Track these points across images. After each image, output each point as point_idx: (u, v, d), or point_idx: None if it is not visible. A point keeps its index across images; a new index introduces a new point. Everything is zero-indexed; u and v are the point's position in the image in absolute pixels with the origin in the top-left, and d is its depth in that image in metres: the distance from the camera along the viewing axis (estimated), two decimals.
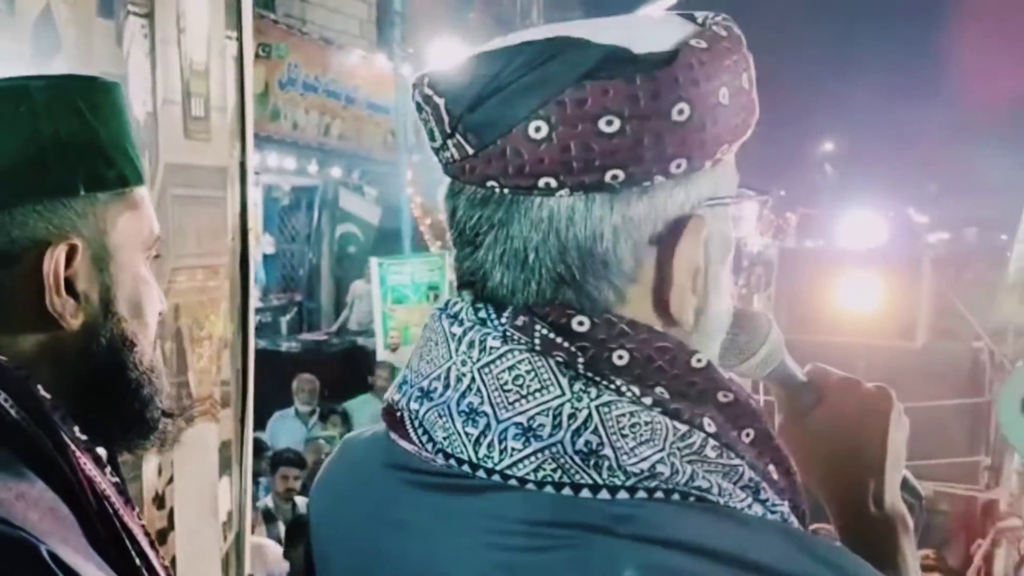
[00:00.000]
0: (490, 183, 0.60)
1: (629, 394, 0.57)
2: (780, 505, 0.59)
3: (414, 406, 0.63)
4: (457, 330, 0.62)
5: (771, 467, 0.60)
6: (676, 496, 0.56)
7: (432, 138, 0.63)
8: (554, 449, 0.56)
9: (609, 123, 0.56)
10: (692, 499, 0.56)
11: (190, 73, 1.67)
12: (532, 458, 0.57)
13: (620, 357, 0.58)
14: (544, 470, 0.56)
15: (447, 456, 0.60)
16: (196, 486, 1.71)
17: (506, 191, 0.60)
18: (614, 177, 0.57)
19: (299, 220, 11.88)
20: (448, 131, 0.60)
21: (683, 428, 0.57)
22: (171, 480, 1.58)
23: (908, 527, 0.77)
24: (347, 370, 8.17)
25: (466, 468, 0.59)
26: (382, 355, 7.73)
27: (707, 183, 0.61)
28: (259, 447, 5.13)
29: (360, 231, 11.57)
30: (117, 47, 1.43)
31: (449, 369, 0.62)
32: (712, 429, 0.58)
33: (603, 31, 0.59)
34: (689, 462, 0.57)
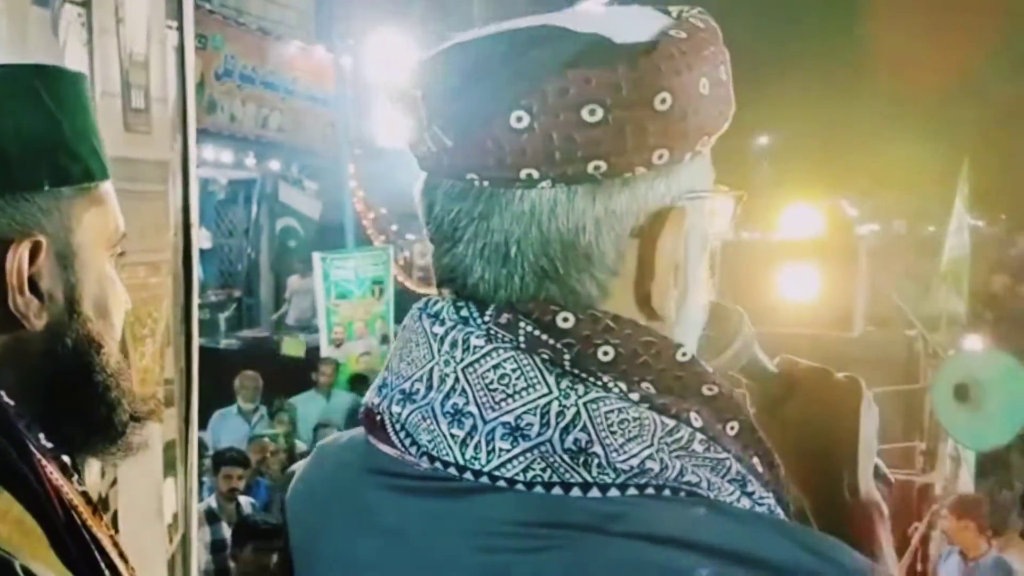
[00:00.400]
0: (469, 176, 0.58)
1: (616, 390, 0.57)
2: (767, 498, 0.60)
3: (396, 409, 0.61)
4: (439, 330, 0.61)
5: (755, 460, 0.60)
6: (667, 492, 0.56)
7: (408, 133, 0.61)
8: (543, 448, 0.56)
9: (592, 112, 0.55)
10: (682, 494, 0.56)
11: (129, 64, 1.62)
12: (521, 458, 0.56)
13: (606, 353, 0.58)
14: (533, 470, 0.55)
15: (432, 459, 0.59)
16: (140, 488, 1.66)
17: (486, 184, 0.58)
18: (596, 168, 0.56)
19: (236, 214, 11.68)
20: (425, 124, 0.59)
21: (671, 423, 0.57)
22: (115, 482, 1.54)
23: (883, 514, 0.78)
24: (289, 367, 8.07)
25: (453, 471, 0.58)
26: (326, 351, 7.65)
27: (686, 176, 0.60)
28: (200, 446, 5.03)
29: (300, 225, 11.42)
30: (53, 37, 1.37)
31: (432, 370, 0.60)
32: (699, 423, 0.57)
33: (582, 21, 0.58)
34: (678, 457, 0.56)
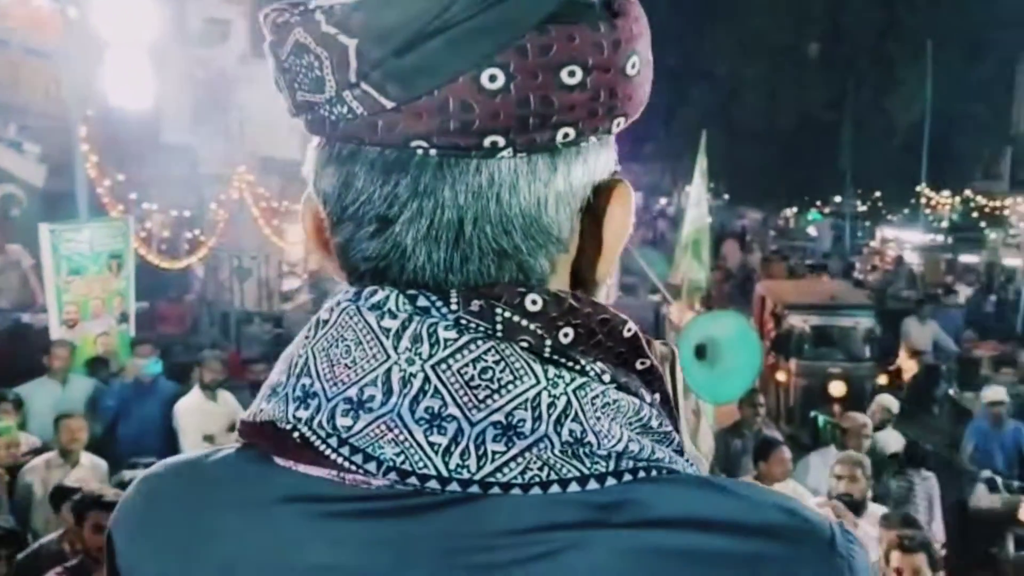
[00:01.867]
0: (416, 143, 0.51)
1: (592, 373, 0.53)
2: (693, 466, 0.58)
3: (344, 422, 0.52)
4: (391, 323, 0.53)
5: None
6: (653, 473, 0.53)
7: (313, 89, 0.52)
8: (540, 445, 0.50)
9: (571, 74, 0.50)
10: (658, 472, 0.53)
11: None
12: (518, 460, 0.50)
13: (566, 335, 0.53)
14: (531, 471, 0.50)
15: (404, 474, 0.50)
16: None
17: (432, 153, 0.51)
18: (565, 136, 0.52)
19: None
20: (352, 80, 0.50)
21: (636, 402, 0.54)
22: None
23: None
24: (12, 351, 7.24)
25: (433, 484, 0.50)
26: (57, 332, 6.92)
27: (613, 149, 0.57)
28: None
29: (23, 192, 10.24)
30: None
31: (389, 371, 0.52)
32: (648, 399, 0.55)
33: None
34: (644, 436, 0.54)
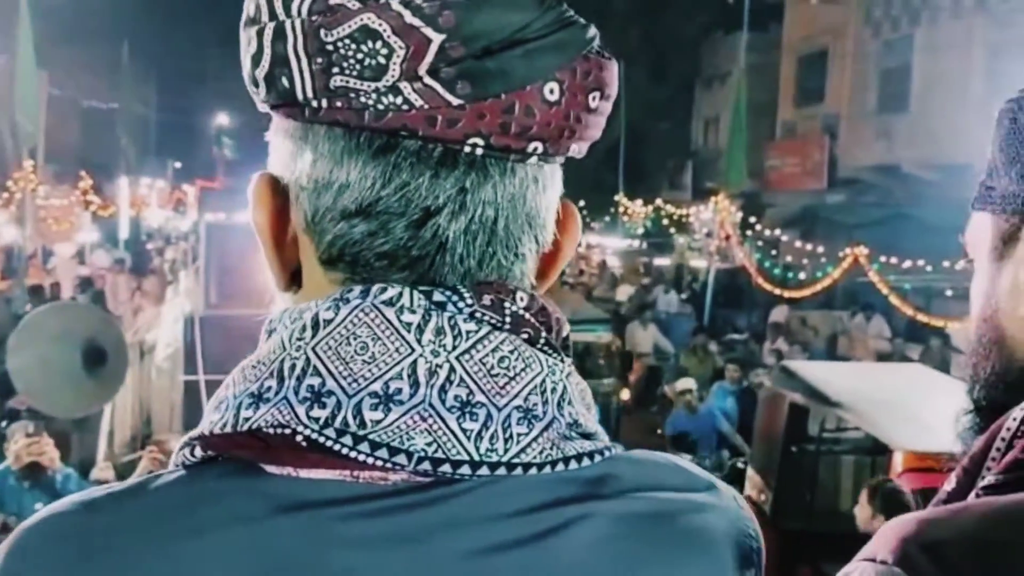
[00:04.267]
0: (473, 140, 0.54)
1: (567, 361, 0.58)
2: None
3: (374, 416, 0.52)
4: (411, 318, 0.54)
5: None
6: (615, 450, 0.58)
7: (367, 76, 0.52)
8: (553, 426, 0.55)
9: (594, 98, 0.57)
10: (616, 450, 0.58)
11: None
12: (538, 440, 0.54)
13: (543, 329, 0.58)
14: (547, 450, 0.54)
15: (436, 463, 0.52)
16: None
17: (480, 152, 0.55)
18: (576, 150, 0.58)
19: None
20: (420, 73, 0.52)
21: (588, 388, 0.60)
22: None
23: None
24: None
25: (465, 469, 0.52)
26: None
27: None
28: None
29: None
30: None
31: (415, 363, 0.53)
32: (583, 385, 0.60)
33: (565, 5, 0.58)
34: (590, 415, 0.59)
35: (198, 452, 0.54)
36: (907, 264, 10.86)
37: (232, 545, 0.51)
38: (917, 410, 5.03)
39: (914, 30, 15.34)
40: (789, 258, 14.16)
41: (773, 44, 19.26)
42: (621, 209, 20.78)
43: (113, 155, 23.62)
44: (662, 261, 20.25)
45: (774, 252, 15.15)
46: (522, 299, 0.57)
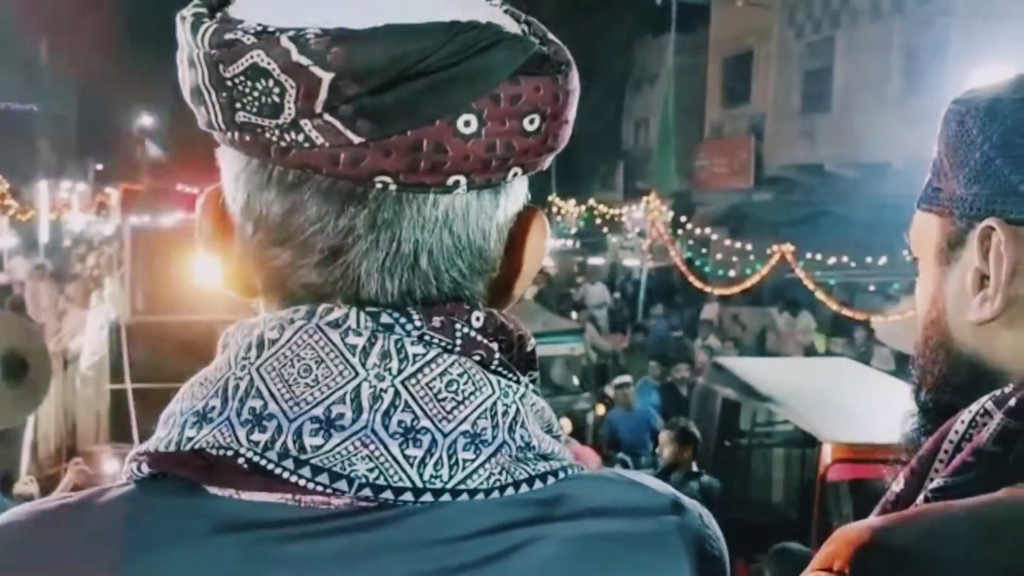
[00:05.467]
0: (381, 178, 0.52)
1: (524, 382, 0.57)
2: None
3: (314, 441, 0.51)
4: (356, 340, 0.53)
5: None
6: (571, 470, 0.57)
7: (265, 113, 0.51)
8: (502, 451, 0.54)
9: (531, 121, 0.53)
10: (573, 470, 0.57)
11: None
12: (485, 466, 0.53)
13: (501, 349, 0.56)
14: (494, 475, 0.53)
15: (377, 489, 0.51)
16: None
17: (392, 187, 0.52)
18: (514, 174, 0.55)
19: None
20: (317, 110, 0.50)
21: (545, 406, 0.58)
22: None
23: None
24: None
25: (407, 496, 0.51)
26: None
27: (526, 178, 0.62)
28: None
29: None
30: None
31: (359, 388, 0.52)
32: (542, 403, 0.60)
33: (499, 19, 0.55)
34: (549, 435, 0.58)
35: (145, 468, 0.54)
36: (831, 260, 11.16)
37: (177, 563, 0.51)
38: (844, 402, 5.18)
39: (835, 32, 15.77)
40: (719, 256, 14.42)
41: (700, 46, 19.58)
42: (555, 209, 20.89)
43: (31, 157, 22.86)
44: (596, 260, 20.42)
45: (704, 250, 15.42)
46: (478, 319, 0.55)
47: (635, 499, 0.58)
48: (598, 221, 20.71)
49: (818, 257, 11.34)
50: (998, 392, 0.59)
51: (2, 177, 18.08)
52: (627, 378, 8.04)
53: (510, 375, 0.56)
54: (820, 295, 10.69)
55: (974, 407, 0.60)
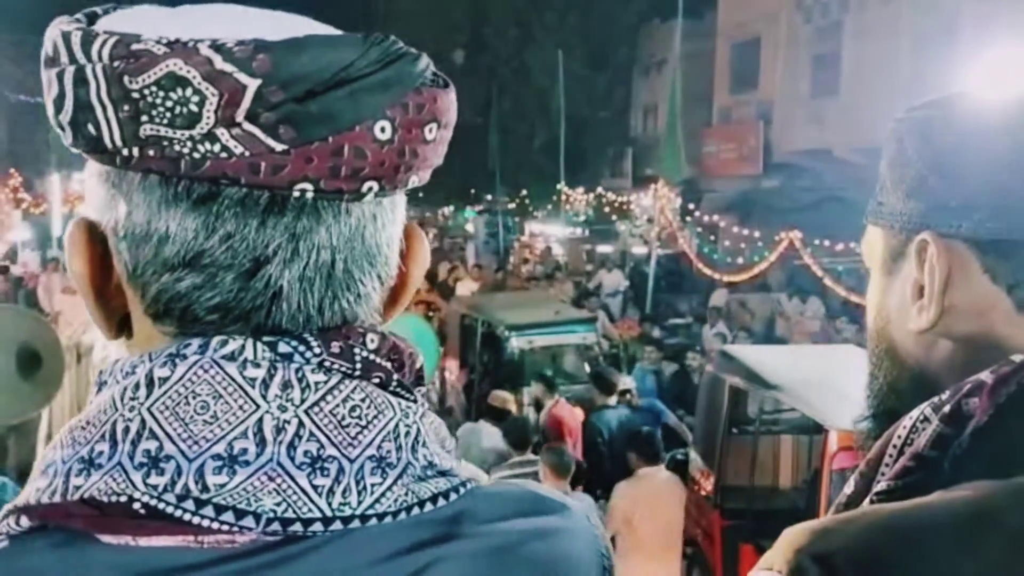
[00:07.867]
0: (301, 186, 0.52)
1: (420, 401, 0.57)
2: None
3: (217, 480, 0.50)
4: (256, 372, 0.52)
5: None
6: (469, 485, 0.57)
7: (178, 124, 0.50)
8: (408, 471, 0.54)
9: (431, 130, 0.55)
10: (469, 485, 0.58)
11: None
12: (393, 488, 0.53)
13: (395, 369, 0.57)
14: (402, 497, 0.53)
15: (286, 523, 0.50)
16: None
17: (309, 196, 0.52)
18: (412, 183, 0.57)
19: None
20: (236, 119, 0.50)
21: (440, 422, 0.59)
22: None
23: None
24: None
25: (317, 527, 0.51)
26: None
27: None
28: None
29: None
30: None
31: (261, 421, 0.51)
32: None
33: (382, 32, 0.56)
34: (443, 450, 0.58)
35: (24, 522, 0.51)
36: (839, 247, 11.13)
37: None
38: (851, 390, 5.16)
39: (844, 16, 15.65)
40: (727, 243, 14.38)
41: (708, 31, 19.47)
42: (563, 197, 20.87)
43: (44, 151, 22.93)
44: (605, 248, 20.41)
45: (712, 237, 15.39)
46: (372, 341, 0.55)
47: (528, 507, 0.59)
48: (607, 209, 20.66)
49: (826, 243, 11.31)
50: (936, 399, 0.62)
51: (15, 171, 18.17)
52: (630, 384, 7.79)
53: (408, 395, 0.56)
54: (828, 281, 10.68)
55: (915, 413, 0.63)
